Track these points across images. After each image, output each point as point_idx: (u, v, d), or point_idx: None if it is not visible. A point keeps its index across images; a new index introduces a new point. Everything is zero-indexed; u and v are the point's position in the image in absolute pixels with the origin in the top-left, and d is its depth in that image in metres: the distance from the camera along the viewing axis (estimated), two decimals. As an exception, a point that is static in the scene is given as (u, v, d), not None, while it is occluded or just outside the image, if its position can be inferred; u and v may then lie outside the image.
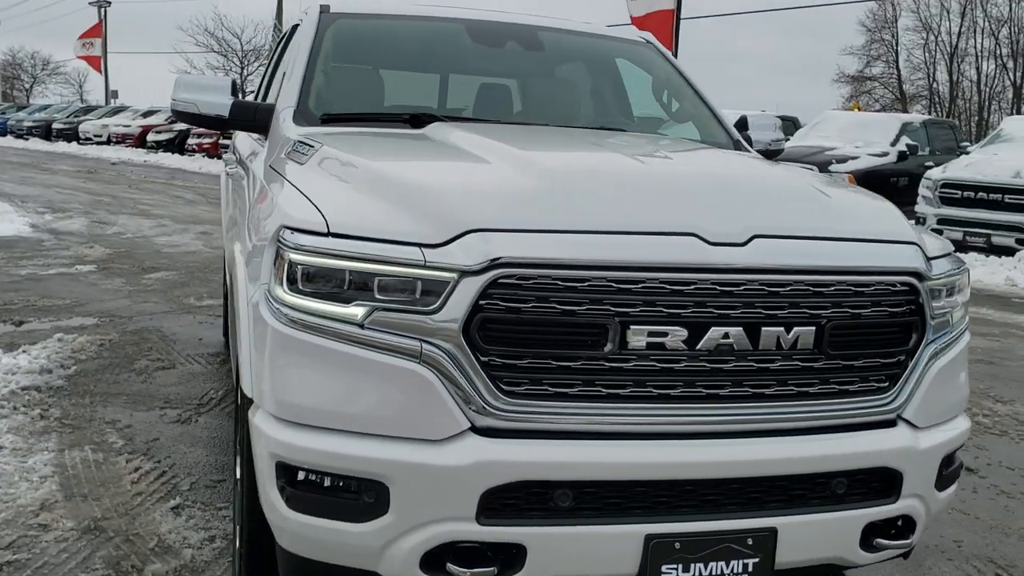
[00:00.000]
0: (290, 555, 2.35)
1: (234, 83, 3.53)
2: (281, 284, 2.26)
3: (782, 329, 2.23)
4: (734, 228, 2.22)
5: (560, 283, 2.10)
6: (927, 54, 59.29)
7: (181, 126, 32.85)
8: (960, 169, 12.48)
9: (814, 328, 2.26)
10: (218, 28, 60.85)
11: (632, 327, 2.13)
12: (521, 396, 2.13)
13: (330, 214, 2.23)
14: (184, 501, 3.59)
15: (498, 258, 2.08)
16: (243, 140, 4.07)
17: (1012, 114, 57.48)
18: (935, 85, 60.09)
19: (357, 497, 2.18)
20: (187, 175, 24.58)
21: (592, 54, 4.18)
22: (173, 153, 31.00)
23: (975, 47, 58.39)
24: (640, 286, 2.13)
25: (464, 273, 2.09)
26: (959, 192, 12.14)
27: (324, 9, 3.80)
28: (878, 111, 48.36)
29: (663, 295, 2.14)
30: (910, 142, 14.37)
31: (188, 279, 8.69)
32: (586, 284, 2.11)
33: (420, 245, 2.13)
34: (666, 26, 20.20)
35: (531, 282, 2.09)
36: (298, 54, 3.56)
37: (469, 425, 2.13)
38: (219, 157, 28.92)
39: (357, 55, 3.81)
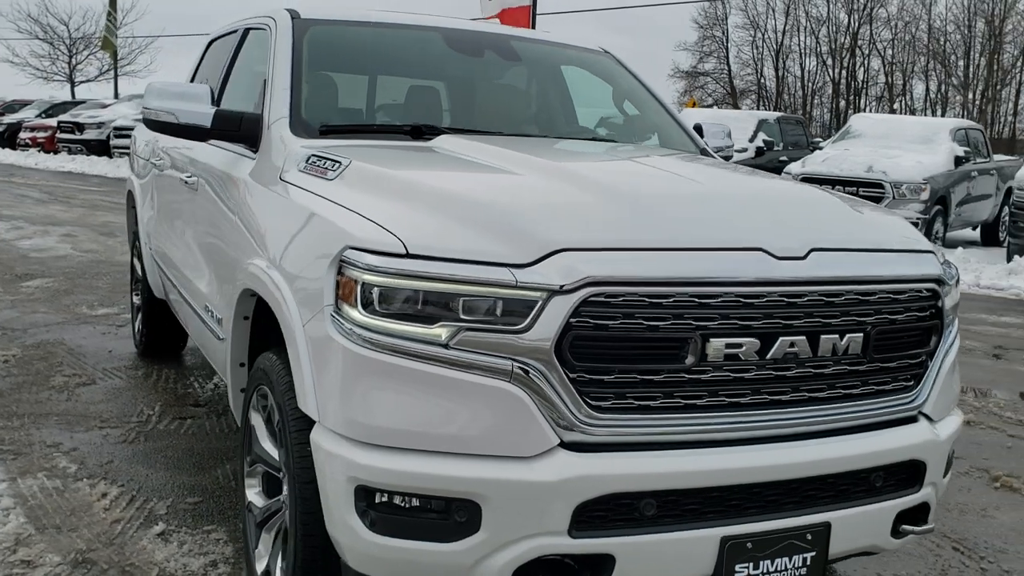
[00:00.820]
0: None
1: (212, 91, 3.41)
2: (355, 306, 2.23)
3: (837, 336, 2.37)
4: (794, 243, 2.35)
5: (646, 300, 2.16)
6: (755, 51, 62.35)
7: (11, 118, 30.87)
8: (818, 164, 13.25)
9: (862, 334, 2.41)
10: (43, 14, 57.09)
11: (711, 340, 2.23)
12: (606, 410, 2.19)
13: (406, 235, 2.22)
14: (168, 526, 3.45)
15: (591, 277, 2.13)
16: (201, 149, 3.92)
17: (832, 109, 61.08)
18: (763, 80, 63.15)
19: (447, 517, 2.19)
20: (26, 172, 23.12)
21: (566, 64, 4.24)
22: (3, 147, 29.06)
23: (799, 44, 61.75)
24: (718, 300, 2.22)
25: (554, 292, 2.12)
26: (818, 186, 12.86)
27: (294, 15, 3.70)
28: (709, 106, 50.43)
29: (737, 308, 2.24)
30: (766, 138, 15.13)
31: (70, 286, 8.22)
32: (670, 300, 2.18)
33: (509, 265, 2.15)
34: (523, 22, 20.50)
35: (619, 299, 2.15)
36: (277, 62, 3.46)
37: (559, 441, 2.17)
38: (55, 152, 27.36)
39: (338, 63, 3.75)
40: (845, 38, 59.56)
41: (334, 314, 2.29)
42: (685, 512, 2.27)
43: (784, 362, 2.31)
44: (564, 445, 2.17)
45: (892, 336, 2.49)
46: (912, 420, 2.61)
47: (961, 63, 56.16)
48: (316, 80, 3.53)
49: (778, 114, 18.49)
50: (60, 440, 4.29)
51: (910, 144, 13.60)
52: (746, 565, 2.32)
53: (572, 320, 2.12)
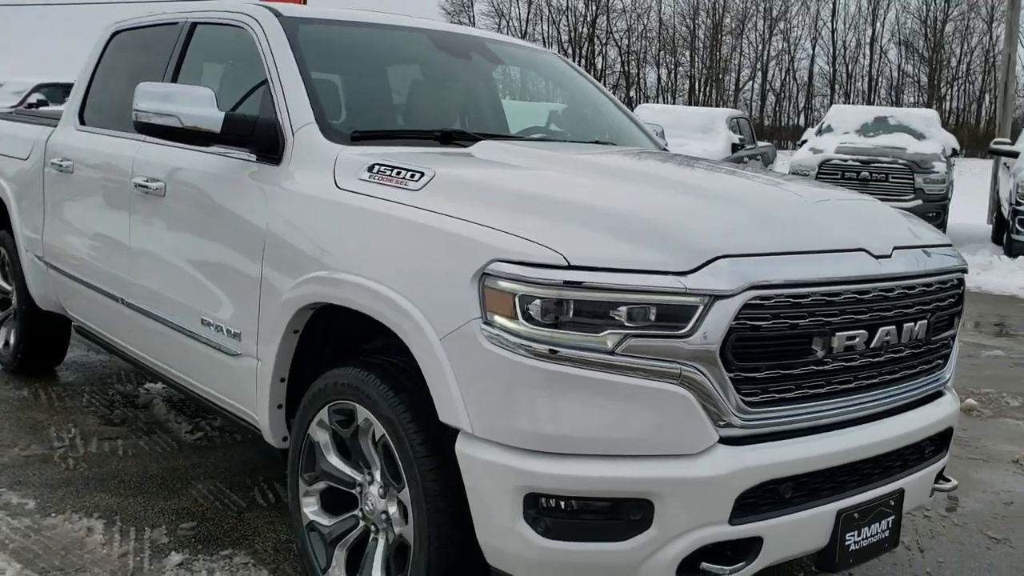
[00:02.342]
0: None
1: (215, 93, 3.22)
2: (516, 318, 2.26)
3: (912, 324, 2.67)
4: (883, 243, 2.62)
5: (790, 300, 2.35)
6: (501, 38, 63.82)
7: None
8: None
9: (925, 321, 2.73)
10: None
11: (836, 334, 2.45)
12: (756, 405, 2.36)
13: (564, 247, 2.27)
14: (185, 555, 3.26)
15: (753, 281, 2.29)
16: (171, 154, 3.66)
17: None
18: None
19: (620, 516, 2.28)
20: None
21: (546, 68, 4.31)
22: None
23: (542, 33, 64.04)
24: (840, 298, 2.45)
25: (717, 297, 2.26)
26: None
27: (276, 12, 3.55)
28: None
29: (852, 304, 2.49)
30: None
31: None
32: (807, 299, 2.39)
33: (672, 273, 2.26)
34: None
35: (771, 301, 2.32)
36: (280, 64, 3.30)
37: (718, 437, 2.32)
38: None
39: (334, 65, 3.61)
40: (583, 27, 62.48)
41: (485, 326, 2.31)
42: (811, 491, 2.49)
43: (879, 349, 2.58)
44: (721, 440, 2.33)
45: (939, 321, 2.83)
46: (941, 394, 2.97)
47: (687, 53, 60.50)
48: (326, 83, 3.41)
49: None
50: (-7, 476, 3.89)
51: (693, 133, 14.60)
52: (853, 533, 2.57)
53: (734, 323, 2.28)
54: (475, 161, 3.06)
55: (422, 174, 2.73)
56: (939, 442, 2.94)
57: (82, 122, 4.60)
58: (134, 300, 3.86)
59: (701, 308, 2.25)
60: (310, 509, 2.97)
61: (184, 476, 3.98)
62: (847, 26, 56.40)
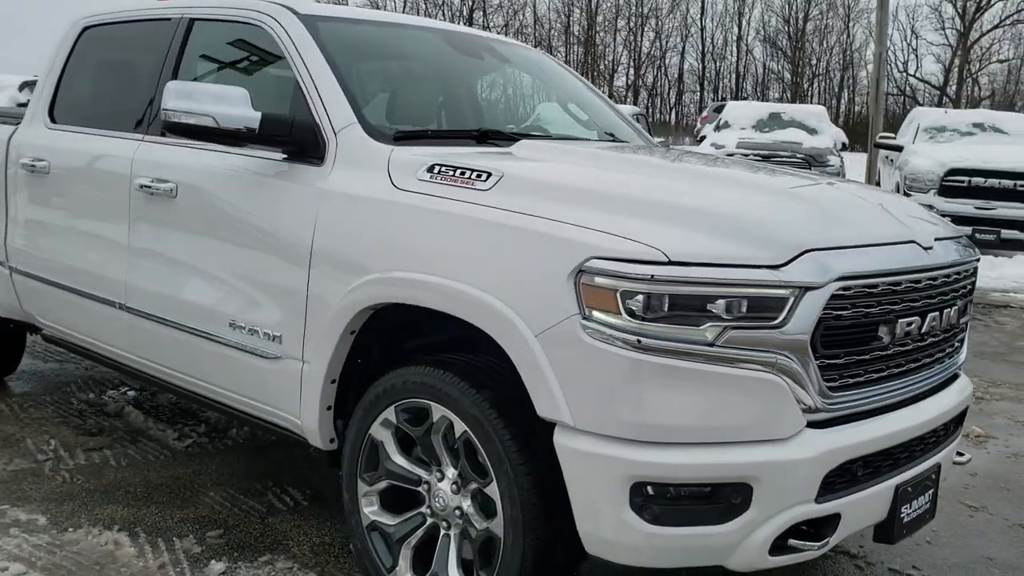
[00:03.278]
0: (617, 567, 2.45)
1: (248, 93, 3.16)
2: (618, 313, 2.34)
3: (949, 310, 2.88)
4: (926, 235, 2.82)
5: (864, 290, 2.51)
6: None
7: None
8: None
9: (956, 307, 2.94)
10: None
11: (899, 320, 2.63)
12: (835, 389, 2.52)
13: (663, 244, 2.36)
14: (225, 564, 3.20)
15: (840, 273, 2.44)
16: (185, 154, 3.57)
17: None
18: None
19: (721, 500, 2.39)
20: None
21: (541, 67, 4.36)
22: None
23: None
24: (901, 287, 2.63)
25: (807, 288, 2.39)
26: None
27: (292, 9, 3.50)
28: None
29: (909, 292, 2.67)
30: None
31: None
32: (877, 289, 2.55)
33: (767, 267, 2.39)
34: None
35: (851, 291, 2.48)
36: (310, 64, 3.26)
37: (806, 421, 2.46)
38: None
39: (359, 63, 3.58)
40: (459, 22, 62.45)
41: (585, 322, 2.38)
42: (875, 469, 2.66)
43: (925, 335, 2.77)
44: (808, 424, 2.47)
45: (963, 307, 3.06)
46: (957, 376, 3.20)
47: (562, 49, 61.26)
48: (359, 83, 3.38)
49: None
50: (-15, 491, 3.72)
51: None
52: (906, 506, 2.76)
53: (823, 312, 2.41)
54: (531, 160, 3.10)
55: (489, 174, 2.77)
56: (959, 420, 3.17)
57: (53, 120, 4.40)
58: (137, 304, 3.74)
59: (792, 300, 2.38)
60: (370, 509, 2.97)
61: (190, 484, 3.89)
62: (715, 24, 58.25)
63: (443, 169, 2.86)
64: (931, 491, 2.90)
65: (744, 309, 2.35)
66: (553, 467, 2.51)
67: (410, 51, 3.86)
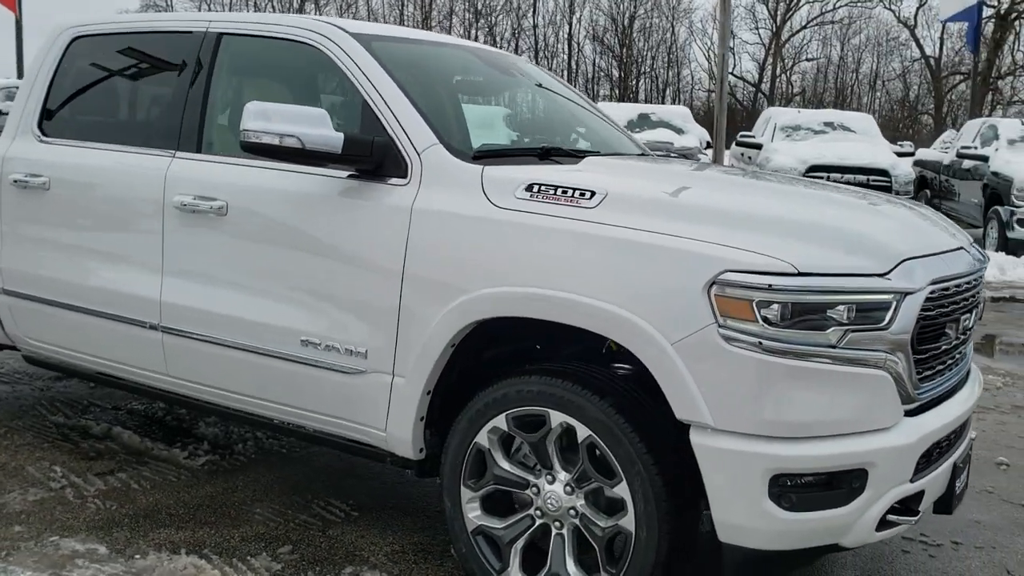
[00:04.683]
0: (745, 551, 2.70)
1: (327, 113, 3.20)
2: (755, 320, 2.59)
3: (976, 309, 3.27)
4: (968, 243, 3.20)
5: (936, 293, 2.85)
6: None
7: None
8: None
9: (977, 308, 3.34)
10: None
11: (960, 319, 2.99)
12: (922, 381, 2.85)
13: (786, 256, 2.62)
14: (364, 569, 3.25)
15: (933, 277, 2.77)
16: (236, 172, 3.55)
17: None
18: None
19: (844, 485, 2.68)
20: None
21: (551, 84, 4.51)
22: None
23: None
24: (961, 289, 2.99)
25: (907, 293, 2.71)
26: None
27: (344, 29, 3.54)
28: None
29: (964, 293, 3.03)
30: None
31: None
32: (949, 292, 2.90)
33: (876, 275, 2.68)
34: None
35: (935, 294, 2.81)
36: (379, 85, 3.30)
37: (904, 411, 2.78)
38: None
39: (423, 83, 3.63)
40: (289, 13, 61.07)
41: (722, 330, 2.61)
42: (941, 450, 3.01)
43: (961, 333, 3.15)
44: (904, 414, 2.79)
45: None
46: (970, 369, 3.61)
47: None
48: (418, 101, 3.45)
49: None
50: (36, 532, 3.58)
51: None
52: (958, 479, 3.14)
53: (920, 313, 2.74)
54: (621, 177, 3.27)
55: (593, 192, 2.94)
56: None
57: (44, 133, 4.23)
58: (176, 324, 3.69)
59: (895, 303, 2.69)
60: (474, 514, 3.10)
61: (228, 502, 3.87)
62: (546, 22, 59.49)
63: (543, 187, 3.01)
64: (968, 466, 3.29)
65: (859, 313, 2.64)
66: (680, 465, 2.74)
67: (453, 68, 3.96)
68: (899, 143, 15.16)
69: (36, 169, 4.13)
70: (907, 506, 2.84)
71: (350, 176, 3.31)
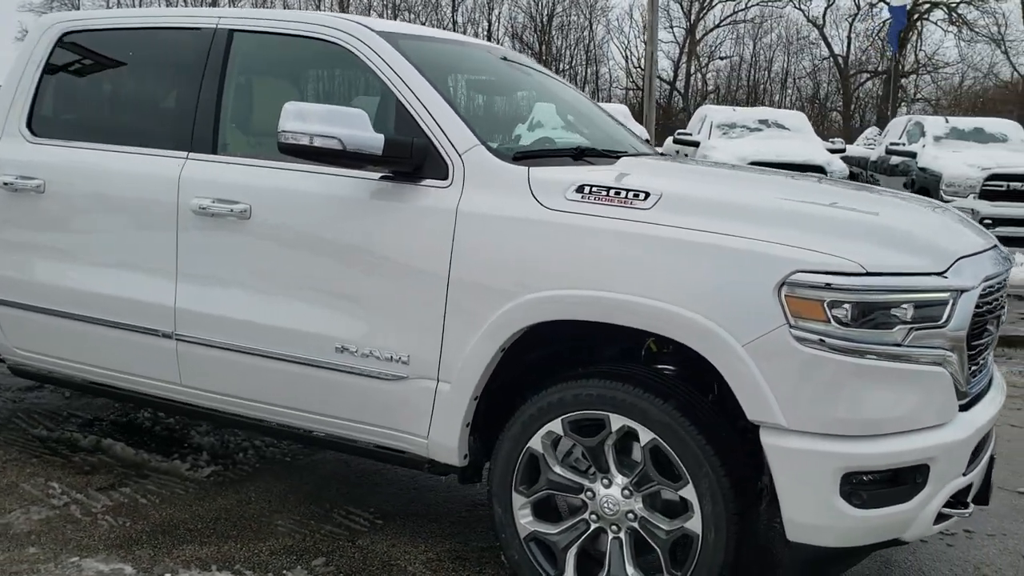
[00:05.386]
0: (814, 549, 2.72)
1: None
2: (827, 321, 2.61)
3: (1005, 306, 3.36)
4: (994, 241, 3.28)
5: (984, 289, 2.91)
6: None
7: None
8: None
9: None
10: None
11: (993, 316, 3.07)
12: (971, 376, 2.91)
13: (853, 256, 2.65)
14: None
15: (984, 275, 2.83)
16: (259, 173, 3.43)
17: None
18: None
19: (907, 481, 2.72)
20: None
21: (558, 82, 4.47)
22: None
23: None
24: (995, 287, 3.06)
25: (962, 291, 2.77)
26: None
27: (370, 27, 3.45)
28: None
29: (997, 291, 3.11)
30: None
31: None
32: (988, 289, 2.96)
33: (935, 274, 2.73)
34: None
35: (983, 291, 2.88)
36: (414, 85, 3.22)
37: (959, 406, 2.84)
38: None
39: (447, 81, 3.56)
40: (198, 3, 59.62)
41: (794, 330, 2.62)
42: (981, 445, 3.08)
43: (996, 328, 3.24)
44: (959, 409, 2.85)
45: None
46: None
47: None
48: (455, 101, 3.38)
49: None
50: (53, 553, 3.41)
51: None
52: (992, 471, 3.22)
53: (975, 310, 2.80)
54: (670, 178, 3.27)
55: (647, 193, 2.93)
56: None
57: (33, 133, 4.03)
58: (193, 332, 3.55)
59: (952, 301, 2.74)
60: (526, 520, 3.06)
61: (246, 515, 3.75)
62: (465, 19, 59.31)
63: (595, 189, 2.98)
64: (994, 460, 3.38)
65: (920, 312, 2.69)
66: (743, 465, 2.75)
67: (477, 67, 3.90)
68: (831, 140, 15.59)
69: (28, 171, 3.93)
70: (958, 499, 2.91)
71: (382, 178, 3.23)
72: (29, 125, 4.04)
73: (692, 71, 57.84)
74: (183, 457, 4.32)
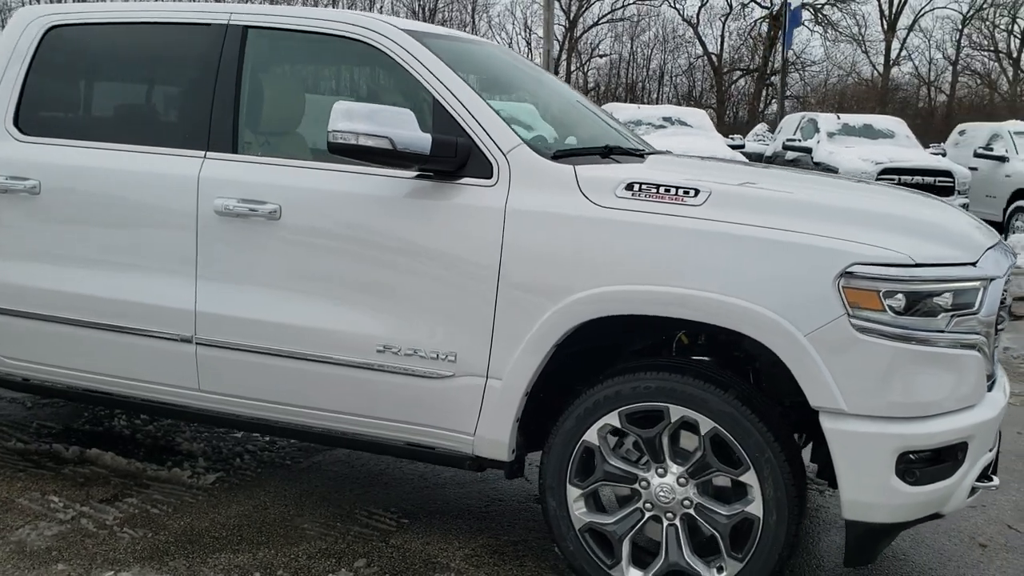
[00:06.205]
0: (867, 526, 2.88)
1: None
2: (883, 310, 2.77)
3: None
4: (999, 237, 3.52)
5: (1008, 278, 3.14)
6: None
7: None
8: None
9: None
10: None
11: (1005, 304, 3.30)
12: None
13: (902, 248, 2.82)
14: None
15: (1009, 264, 3.05)
16: (291, 173, 3.38)
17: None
18: None
19: (950, 458, 2.91)
20: None
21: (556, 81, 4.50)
22: None
23: None
24: (1011, 277, 3.30)
25: (991, 279, 2.97)
26: None
27: (398, 26, 3.44)
28: None
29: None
30: None
31: None
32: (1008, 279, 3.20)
33: (969, 264, 2.93)
34: None
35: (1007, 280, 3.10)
36: (450, 84, 3.22)
37: (988, 386, 3.05)
38: None
39: (483, 82, 3.56)
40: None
41: (853, 319, 2.77)
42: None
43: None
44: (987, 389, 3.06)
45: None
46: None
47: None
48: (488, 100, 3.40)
49: None
50: (84, 569, 3.28)
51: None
52: (999, 447, 3.46)
53: (1001, 297, 3.01)
54: (708, 175, 3.35)
55: (696, 191, 3.04)
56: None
57: (21, 131, 3.84)
58: (219, 336, 3.47)
59: (983, 289, 2.94)
60: (580, 511, 3.13)
61: (270, 520, 3.69)
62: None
63: (644, 187, 3.07)
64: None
65: (959, 299, 2.88)
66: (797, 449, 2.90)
67: (498, 69, 3.91)
68: (731, 136, 16.12)
69: (20, 171, 3.75)
70: (984, 472, 3.12)
71: (417, 176, 3.24)
72: (16, 123, 3.85)
73: (573, 68, 58.64)
74: (179, 464, 4.21)
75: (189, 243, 3.49)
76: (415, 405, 3.28)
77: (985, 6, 45.13)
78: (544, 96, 4.25)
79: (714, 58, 54.27)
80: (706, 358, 3.28)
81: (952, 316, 2.85)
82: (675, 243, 2.95)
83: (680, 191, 3.04)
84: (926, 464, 2.87)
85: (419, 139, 3.08)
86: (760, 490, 2.91)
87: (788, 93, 51.59)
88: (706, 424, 2.94)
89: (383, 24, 3.43)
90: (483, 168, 3.19)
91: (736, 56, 53.35)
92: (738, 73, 53.63)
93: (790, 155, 15.39)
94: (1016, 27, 45.61)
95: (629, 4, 55.59)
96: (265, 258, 3.41)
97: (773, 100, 51.24)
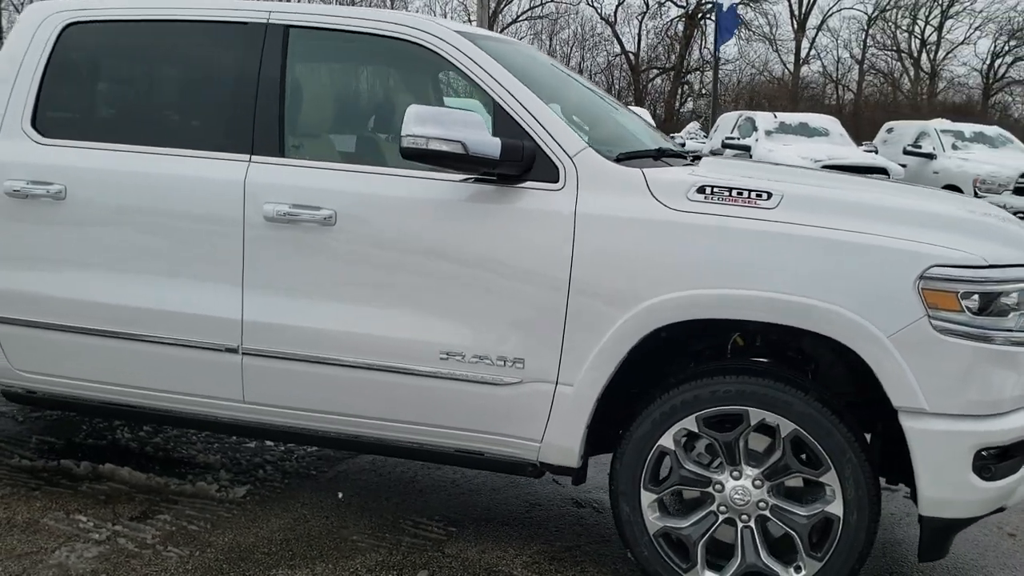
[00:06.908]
0: (942, 522, 2.96)
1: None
2: (961, 311, 2.85)
3: None
4: None
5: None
6: None
7: None
8: None
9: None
10: None
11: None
12: None
13: (975, 250, 2.89)
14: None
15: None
16: (342, 178, 3.30)
17: None
18: None
19: (1019, 453, 3.00)
20: None
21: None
22: None
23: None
24: None
25: (1045, 276, 3.07)
26: None
27: (454, 29, 3.38)
28: None
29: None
30: None
31: None
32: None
33: (1026, 265, 3.02)
34: None
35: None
36: (511, 87, 3.17)
37: (1031, 378, 3.15)
38: None
39: (531, 81, 3.49)
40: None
41: (935, 320, 2.83)
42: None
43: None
44: None
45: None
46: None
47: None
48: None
49: None
50: None
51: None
52: None
53: (1055, 295, 3.12)
54: (773, 178, 3.38)
55: (769, 194, 3.06)
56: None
57: (41, 134, 3.65)
58: (271, 347, 3.36)
59: None
60: (655, 516, 3.13)
61: (316, 533, 3.59)
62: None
63: (717, 190, 3.08)
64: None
65: (1022, 298, 2.96)
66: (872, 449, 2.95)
67: (542, 71, 3.86)
68: (670, 135, 16.28)
69: (43, 175, 3.56)
70: (1037, 463, 3.23)
71: (476, 180, 3.19)
72: (34, 124, 3.66)
73: (491, 65, 58.39)
74: (203, 478, 4.07)
75: (235, 250, 3.37)
76: (477, 411, 3.24)
77: (888, 7, 46.76)
78: (576, 97, 4.23)
79: (631, 56, 54.88)
80: (763, 359, 3.32)
81: (1020, 315, 2.93)
82: (754, 246, 2.97)
83: (753, 194, 3.06)
84: (998, 460, 2.94)
85: (491, 143, 3.04)
86: (841, 490, 2.96)
87: (703, 92, 52.69)
88: (787, 426, 2.97)
89: (437, 26, 3.37)
90: (549, 172, 3.16)
91: (653, 55, 54.05)
92: (655, 71, 54.35)
93: (728, 153, 15.67)
94: (916, 28, 47.43)
95: (548, 2, 55.84)
96: (319, 265, 3.32)
97: (688, 98, 52.24)
